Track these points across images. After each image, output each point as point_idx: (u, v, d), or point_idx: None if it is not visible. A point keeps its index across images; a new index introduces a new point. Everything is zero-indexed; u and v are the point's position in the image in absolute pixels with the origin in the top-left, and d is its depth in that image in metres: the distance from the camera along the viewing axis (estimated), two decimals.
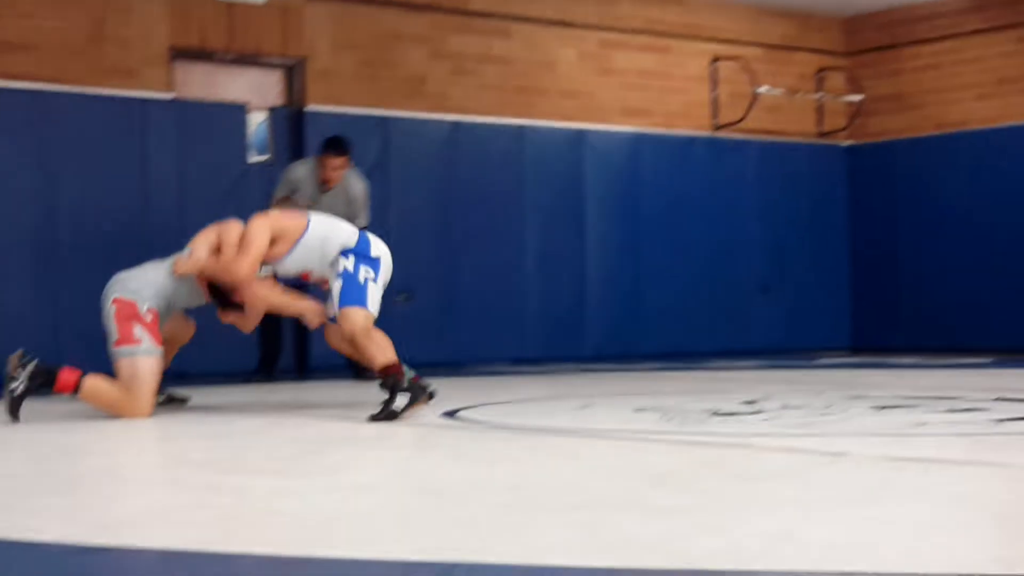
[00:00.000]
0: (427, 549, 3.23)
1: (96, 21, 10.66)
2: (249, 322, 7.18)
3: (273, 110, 11.49)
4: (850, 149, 14.72)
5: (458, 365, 11.68)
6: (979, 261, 13.63)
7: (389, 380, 6.68)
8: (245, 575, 3.08)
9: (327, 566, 3.10)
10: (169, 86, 10.97)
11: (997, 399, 7.39)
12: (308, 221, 7.18)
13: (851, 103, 14.64)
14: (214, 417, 7.07)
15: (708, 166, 13.81)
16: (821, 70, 14.60)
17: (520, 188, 12.65)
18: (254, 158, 11.34)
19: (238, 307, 7.09)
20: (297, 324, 10.68)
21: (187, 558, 3.20)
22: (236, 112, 11.28)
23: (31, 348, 7.03)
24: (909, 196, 14.20)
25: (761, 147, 14.16)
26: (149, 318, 6.95)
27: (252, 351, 10.09)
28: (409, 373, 7.30)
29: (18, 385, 6.64)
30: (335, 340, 7.23)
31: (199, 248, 7.09)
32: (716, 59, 13.89)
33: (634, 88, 13.40)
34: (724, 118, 13.93)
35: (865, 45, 14.64)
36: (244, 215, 7.40)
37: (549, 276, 12.77)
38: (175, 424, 6.70)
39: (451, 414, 6.90)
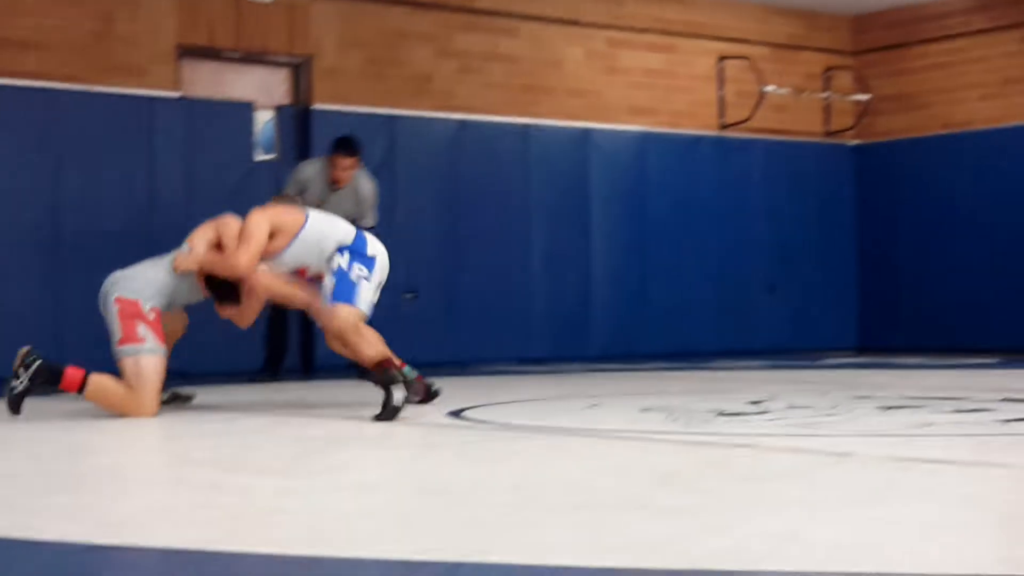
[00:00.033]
0: (431, 549, 3.22)
1: (103, 19, 10.66)
2: (246, 316, 7.17)
3: (279, 108, 11.49)
4: (857, 148, 14.69)
5: (463, 364, 11.67)
6: (987, 261, 13.60)
7: (382, 375, 6.61)
8: (248, 575, 3.07)
9: (331, 566, 3.09)
10: (176, 84, 10.97)
11: (1004, 399, 7.37)
12: (306, 217, 7.17)
13: (858, 102, 14.61)
14: (218, 416, 7.06)
15: (714, 165, 13.80)
16: (828, 69, 14.57)
17: (526, 187, 12.63)
18: (260, 156, 11.34)
19: (235, 301, 7.08)
20: (303, 323, 10.68)
21: (190, 557, 3.19)
22: (243, 110, 11.28)
23: (36, 344, 7.03)
24: (916, 196, 14.17)
25: (768, 146, 14.14)
26: (152, 317, 6.95)
27: (258, 350, 10.09)
28: (412, 373, 7.30)
29: (20, 383, 6.64)
30: (336, 345, 7.21)
31: (198, 244, 7.09)
32: (723, 58, 13.87)
33: (641, 87, 13.39)
34: (731, 117, 13.91)
35: (872, 44, 14.61)
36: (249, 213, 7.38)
37: (555, 275, 12.76)
38: (179, 423, 6.69)
39: (456, 414, 6.89)
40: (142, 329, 6.89)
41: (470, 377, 10.20)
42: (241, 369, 10.19)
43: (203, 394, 8.09)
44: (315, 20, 11.60)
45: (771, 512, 3.71)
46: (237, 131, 11.22)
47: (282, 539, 3.41)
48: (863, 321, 14.57)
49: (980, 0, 13.78)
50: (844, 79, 14.65)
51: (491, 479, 4.52)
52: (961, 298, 13.74)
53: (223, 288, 7.06)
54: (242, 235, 6.98)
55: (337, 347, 7.21)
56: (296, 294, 7.17)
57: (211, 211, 7.76)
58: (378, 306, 7.16)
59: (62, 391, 6.83)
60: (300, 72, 11.64)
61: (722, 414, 6.66)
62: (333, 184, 9.61)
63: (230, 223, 7.13)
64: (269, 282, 7.04)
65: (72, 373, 6.75)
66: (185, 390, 7.79)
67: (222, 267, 6.99)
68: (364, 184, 9.71)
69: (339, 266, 6.95)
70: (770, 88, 14.01)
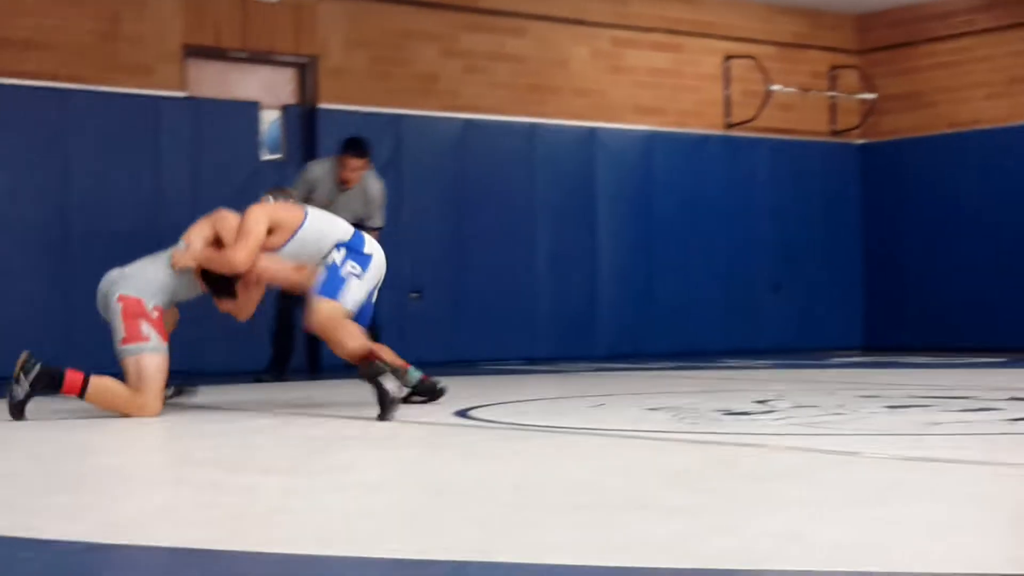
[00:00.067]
0: (436, 548, 3.20)
1: (110, 19, 10.66)
2: (245, 309, 7.15)
3: (286, 108, 11.49)
4: (863, 147, 14.68)
5: (469, 364, 11.66)
6: (993, 260, 13.58)
7: (368, 369, 6.50)
8: (252, 574, 3.06)
9: (335, 565, 3.08)
10: (182, 84, 10.97)
11: (1011, 399, 7.35)
12: (305, 214, 7.16)
13: (864, 101, 14.59)
14: (222, 416, 7.05)
15: (720, 165, 13.78)
16: (834, 68, 14.55)
17: (532, 186, 12.63)
18: (266, 156, 11.34)
19: (233, 295, 7.08)
20: None
21: (193, 557, 3.17)
22: (249, 110, 11.29)
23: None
24: (922, 195, 14.15)
25: (773, 145, 14.12)
26: (155, 315, 6.93)
27: (264, 350, 10.08)
28: (416, 373, 7.29)
29: (20, 391, 6.62)
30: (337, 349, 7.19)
31: (195, 240, 7.08)
32: (729, 57, 13.86)
33: (646, 86, 13.37)
34: (736, 116, 13.90)
35: (878, 43, 14.59)
36: None
37: (561, 275, 12.75)
38: (181, 423, 6.67)
39: (462, 413, 6.87)
40: (146, 328, 6.87)
41: (476, 376, 10.18)
42: (247, 369, 10.19)
43: (208, 393, 8.08)
44: (321, 20, 11.60)
45: (778, 512, 3.70)
46: (243, 131, 11.23)
47: (285, 539, 3.40)
48: (869, 320, 14.56)
49: None
50: (850, 78, 14.63)
51: (496, 478, 4.50)
52: (967, 297, 13.72)
53: (220, 283, 7.06)
54: (240, 231, 6.96)
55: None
56: (292, 275, 7.12)
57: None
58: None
59: (65, 395, 6.81)
60: (306, 72, 11.64)
61: (728, 413, 6.64)
62: (342, 184, 9.61)
63: (227, 218, 7.11)
64: (266, 264, 7.01)
65: (72, 377, 6.71)
66: (188, 386, 7.76)
67: (220, 263, 6.98)
68: (373, 185, 9.71)
69: (333, 261, 6.95)
70: (776, 87, 13.99)
